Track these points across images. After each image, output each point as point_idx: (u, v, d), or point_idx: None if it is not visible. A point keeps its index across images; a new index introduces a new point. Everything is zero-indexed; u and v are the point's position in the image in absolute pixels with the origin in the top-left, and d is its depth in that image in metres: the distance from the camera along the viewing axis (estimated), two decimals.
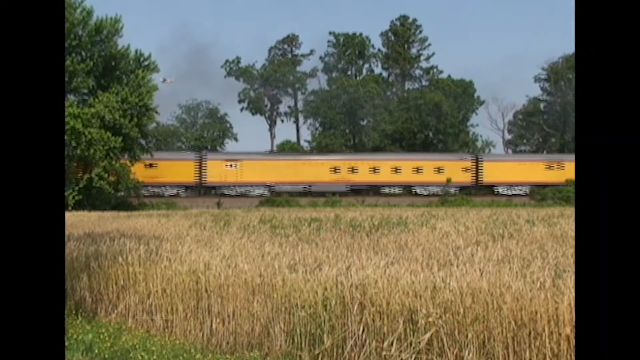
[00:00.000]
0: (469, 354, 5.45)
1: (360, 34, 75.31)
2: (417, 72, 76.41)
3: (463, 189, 54.09)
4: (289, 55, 77.17)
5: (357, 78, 74.11)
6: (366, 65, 77.16)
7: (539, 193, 50.70)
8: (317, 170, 53.08)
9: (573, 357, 5.07)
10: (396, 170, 54.19)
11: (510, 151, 74.90)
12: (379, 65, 77.08)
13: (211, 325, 7.32)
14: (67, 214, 23.67)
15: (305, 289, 6.53)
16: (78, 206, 34.64)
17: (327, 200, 45.97)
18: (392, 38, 75.55)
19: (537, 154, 67.54)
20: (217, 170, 51.85)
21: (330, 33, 75.57)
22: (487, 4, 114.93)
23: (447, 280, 6.07)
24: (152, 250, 9.22)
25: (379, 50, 76.65)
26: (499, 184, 55.00)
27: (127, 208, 38.34)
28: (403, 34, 74.92)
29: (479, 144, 71.36)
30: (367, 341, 5.90)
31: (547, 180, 53.84)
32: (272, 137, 75.68)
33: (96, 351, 6.85)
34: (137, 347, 7.01)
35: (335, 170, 53.62)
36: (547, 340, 5.25)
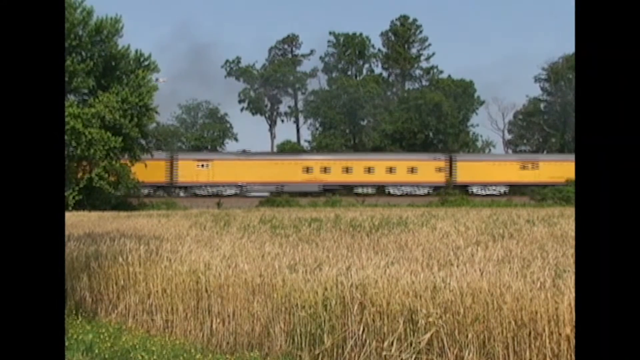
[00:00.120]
0: (469, 354, 5.45)
1: (360, 34, 75.31)
2: (417, 72, 76.32)
3: (436, 189, 53.21)
4: (289, 55, 77.11)
5: (357, 78, 74.03)
6: (366, 65, 77.15)
7: (539, 193, 50.51)
8: (289, 170, 52.42)
9: (573, 357, 5.07)
10: (369, 170, 53.51)
11: (510, 151, 74.91)
12: (379, 65, 77.09)
13: (211, 326, 7.32)
14: (67, 214, 23.68)
15: (306, 289, 6.53)
16: (78, 206, 34.64)
17: (327, 200, 45.99)
18: (392, 38, 75.48)
19: (511, 154, 67.12)
20: (188, 171, 51.12)
21: (330, 33, 75.61)
22: (487, 4, 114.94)
23: (447, 280, 6.07)
24: (152, 251, 9.22)
25: (379, 50, 76.65)
26: (473, 184, 54.12)
27: (127, 208, 38.39)
28: (403, 34, 74.87)
29: (479, 144, 71.35)
30: (367, 341, 5.90)
31: (522, 180, 53.41)
32: (272, 137, 75.71)
33: (96, 351, 6.86)
34: (137, 347, 7.02)
35: (307, 170, 52.93)
36: (547, 340, 5.26)
